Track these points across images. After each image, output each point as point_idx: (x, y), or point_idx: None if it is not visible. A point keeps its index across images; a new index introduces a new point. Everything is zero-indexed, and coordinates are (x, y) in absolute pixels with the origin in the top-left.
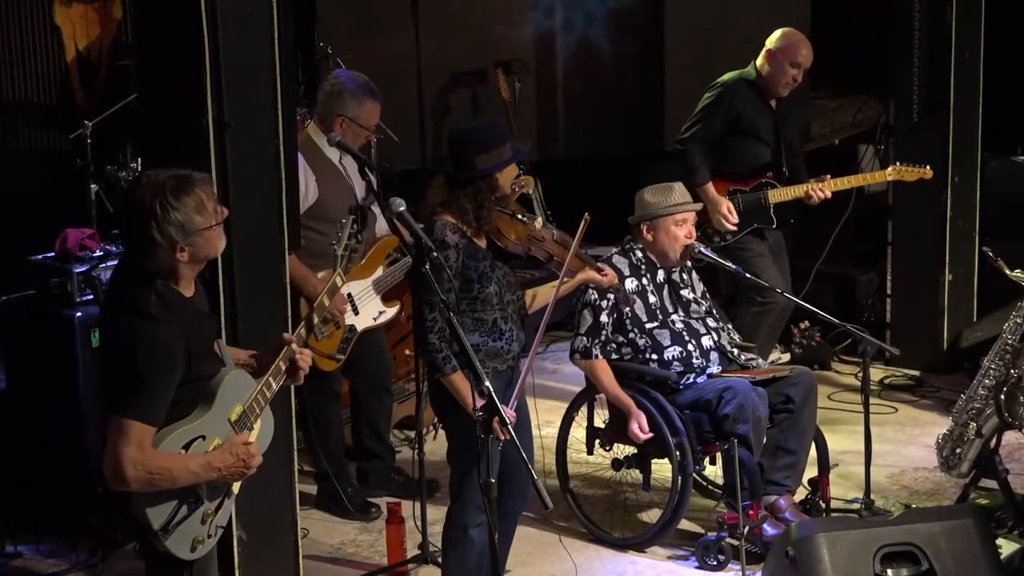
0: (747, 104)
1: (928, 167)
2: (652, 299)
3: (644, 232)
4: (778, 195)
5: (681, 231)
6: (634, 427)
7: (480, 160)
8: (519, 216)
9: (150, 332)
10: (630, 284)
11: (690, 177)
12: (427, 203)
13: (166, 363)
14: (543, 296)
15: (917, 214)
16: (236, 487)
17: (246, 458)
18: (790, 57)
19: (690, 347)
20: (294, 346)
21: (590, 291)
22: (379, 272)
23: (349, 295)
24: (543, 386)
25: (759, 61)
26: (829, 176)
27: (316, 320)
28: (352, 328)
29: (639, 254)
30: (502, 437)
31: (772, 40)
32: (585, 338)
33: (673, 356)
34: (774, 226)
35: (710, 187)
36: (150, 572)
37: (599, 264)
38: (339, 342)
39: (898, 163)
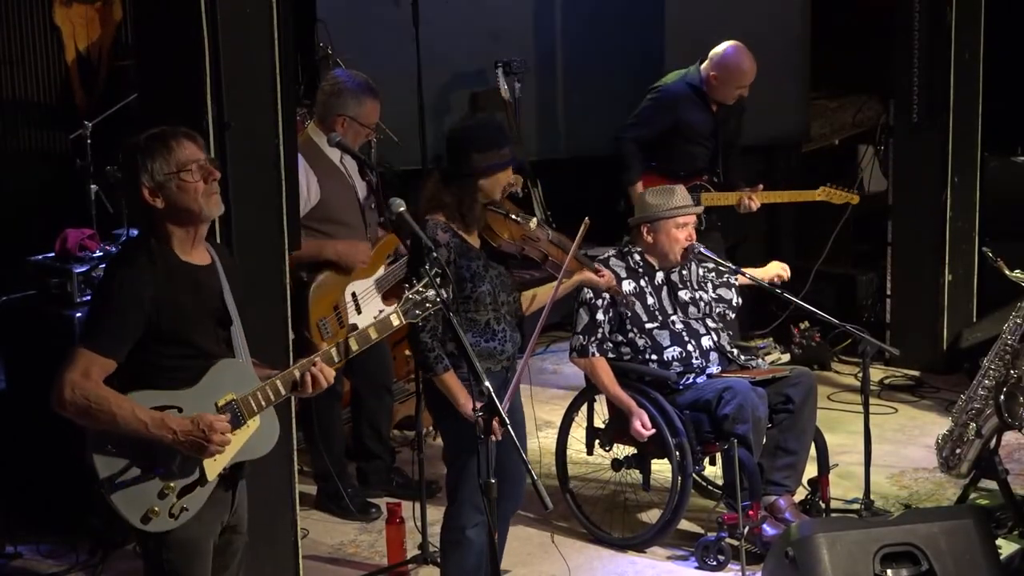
0: (688, 109)
1: (856, 192)
2: (651, 300)
3: (644, 234)
4: (711, 199)
5: (682, 234)
6: (636, 425)
7: (477, 158)
8: (513, 216)
9: (120, 273)
10: (627, 286)
11: (624, 174)
12: (420, 203)
13: (126, 301)
14: (541, 298)
15: (917, 214)
16: (211, 474)
17: (208, 432)
18: (736, 82)
19: (690, 347)
20: (317, 360)
21: (585, 289)
22: (381, 271)
23: (353, 294)
24: (543, 387)
25: (705, 70)
26: (761, 186)
27: (355, 347)
28: (355, 327)
29: (636, 257)
30: (496, 436)
31: (716, 61)
32: (581, 336)
33: (673, 357)
34: (702, 228)
35: (639, 187)
36: (146, 568)
37: (596, 266)
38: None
39: (829, 184)
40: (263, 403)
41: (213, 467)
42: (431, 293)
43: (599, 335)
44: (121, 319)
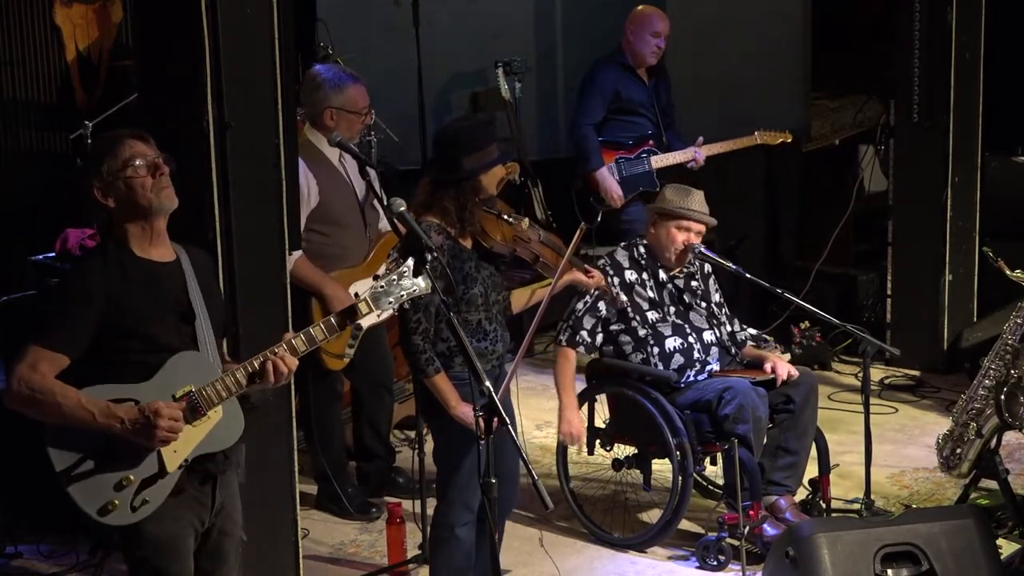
0: (622, 83)
1: (788, 131)
2: (650, 293)
3: (650, 225)
4: (660, 160)
5: (680, 236)
6: (564, 426)
7: (467, 161)
8: (505, 216)
9: (72, 273)
10: (630, 276)
11: (584, 163)
12: (413, 204)
13: (77, 297)
14: (519, 297)
15: (917, 214)
16: (171, 466)
17: (153, 417)
18: (649, 28)
19: (691, 339)
20: (278, 349)
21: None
22: (381, 271)
23: (356, 295)
24: (542, 386)
25: (623, 42)
26: (701, 139)
27: (320, 336)
28: (358, 326)
29: (642, 249)
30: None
31: (628, 21)
32: (563, 322)
33: (674, 347)
34: (657, 189)
35: (603, 172)
36: (128, 569)
37: (586, 266)
38: (347, 340)
39: (762, 128)
40: (223, 394)
41: (173, 458)
42: (407, 283)
43: (572, 323)
44: (69, 315)
